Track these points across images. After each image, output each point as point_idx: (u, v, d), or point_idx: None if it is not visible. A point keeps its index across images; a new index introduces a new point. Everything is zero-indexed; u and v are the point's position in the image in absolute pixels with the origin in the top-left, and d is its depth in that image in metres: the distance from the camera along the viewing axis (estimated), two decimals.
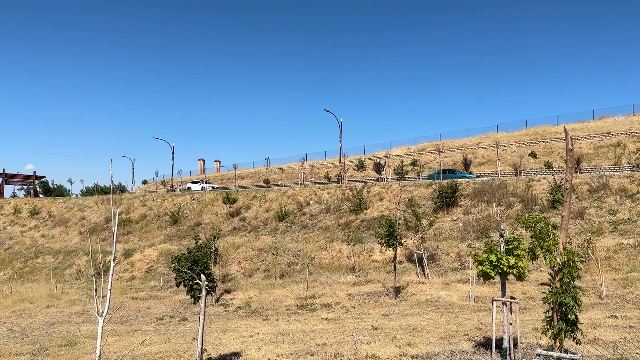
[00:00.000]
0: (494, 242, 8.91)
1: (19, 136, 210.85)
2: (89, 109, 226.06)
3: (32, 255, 38.40)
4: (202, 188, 54.64)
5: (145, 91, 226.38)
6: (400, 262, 22.65)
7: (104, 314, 5.43)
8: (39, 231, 48.67)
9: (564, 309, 7.19)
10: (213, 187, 54.95)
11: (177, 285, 19.51)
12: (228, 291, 21.42)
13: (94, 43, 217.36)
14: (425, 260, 21.48)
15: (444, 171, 41.68)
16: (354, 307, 16.99)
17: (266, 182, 51.78)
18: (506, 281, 8.93)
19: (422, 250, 21.97)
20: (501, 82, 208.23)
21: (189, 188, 57.13)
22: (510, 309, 8.80)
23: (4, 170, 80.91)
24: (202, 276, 8.16)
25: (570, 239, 19.14)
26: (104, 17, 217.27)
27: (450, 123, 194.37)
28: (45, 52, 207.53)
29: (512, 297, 8.86)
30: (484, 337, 10.78)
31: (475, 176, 39.52)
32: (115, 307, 18.08)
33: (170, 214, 41.51)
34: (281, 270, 24.78)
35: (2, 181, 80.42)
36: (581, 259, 7.65)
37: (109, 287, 5.48)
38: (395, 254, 18.84)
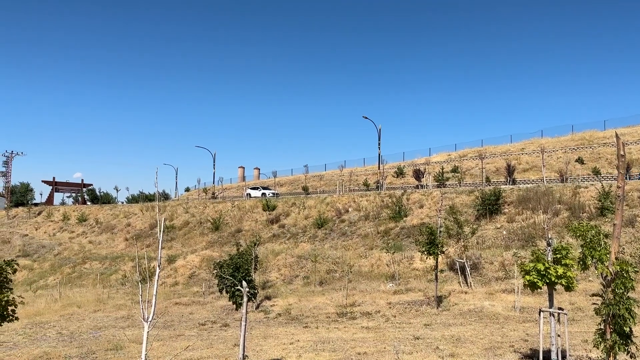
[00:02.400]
0: (541, 251, 8.66)
1: (68, 146, 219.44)
2: (134, 119, 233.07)
3: (80, 260, 39.69)
4: (263, 194, 52.74)
5: (188, 100, 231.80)
6: (442, 271, 22.26)
7: (150, 319, 5.54)
8: (86, 237, 50.39)
9: (618, 321, 6.89)
10: (273, 194, 52.66)
11: (220, 291, 19.78)
12: (268, 298, 21.56)
13: (138, 53, 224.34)
14: (468, 269, 21.03)
15: None
16: (395, 316, 16.78)
17: (305, 189, 52.00)
18: (554, 291, 8.65)
19: (465, 258, 21.54)
20: (546, 85, 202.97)
21: (248, 194, 55.01)
22: (559, 320, 8.52)
23: (53, 178, 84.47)
24: (244, 283, 8.23)
25: (623, 248, 18.38)
26: (151, 27, 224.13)
27: (492, 128, 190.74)
28: (92, 64, 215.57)
29: (560, 308, 8.57)
30: (531, 349, 10.45)
31: None
32: (159, 312, 18.49)
33: (211, 220, 42.21)
34: (320, 278, 24.76)
35: (52, 189, 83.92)
36: (635, 269, 7.34)
37: (154, 293, 5.59)
38: (437, 262, 18.52)
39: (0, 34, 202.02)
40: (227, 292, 19.04)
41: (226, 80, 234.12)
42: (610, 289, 7.11)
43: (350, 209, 36.82)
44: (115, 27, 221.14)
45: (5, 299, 8.02)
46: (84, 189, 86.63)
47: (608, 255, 7.25)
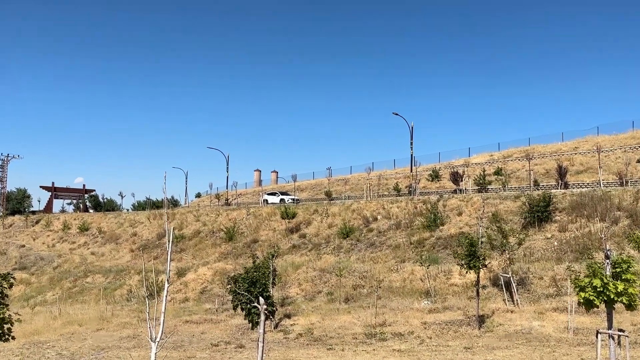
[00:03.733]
0: (598, 265, 8.52)
1: (69, 149, 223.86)
2: (139, 120, 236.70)
3: (82, 274, 40.36)
4: (281, 200, 52.40)
5: (198, 97, 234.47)
6: (484, 287, 22.03)
7: (158, 339, 5.61)
8: (88, 248, 51.29)
9: None
10: (293, 200, 52.41)
11: (234, 308, 19.90)
12: (288, 316, 21.62)
13: (143, 49, 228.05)
14: (514, 285, 20.77)
15: None
16: (430, 338, 16.68)
17: (328, 194, 52.02)
18: (613, 310, 8.50)
19: (510, 273, 21.27)
20: (602, 78, 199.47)
21: (265, 201, 54.60)
22: (619, 343, 8.36)
23: (52, 184, 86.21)
24: (261, 299, 8.26)
25: None
26: (159, 25, 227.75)
27: (541, 125, 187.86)
28: (94, 62, 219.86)
29: (620, 330, 8.42)
30: None
31: None
32: (167, 332, 18.69)
33: (225, 229, 42.53)
34: (346, 294, 24.73)
35: (51, 195, 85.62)
36: None
37: (163, 310, 5.65)
38: (478, 277, 18.35)
39: None
40: (242, 309, 19.15)
41: (239, 75, 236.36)
42: None
43: (379, 217, 36.73)
44: (120, 25, 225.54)
45: (1, 316, 8.20)
46: (86, 195, 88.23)
47: None
